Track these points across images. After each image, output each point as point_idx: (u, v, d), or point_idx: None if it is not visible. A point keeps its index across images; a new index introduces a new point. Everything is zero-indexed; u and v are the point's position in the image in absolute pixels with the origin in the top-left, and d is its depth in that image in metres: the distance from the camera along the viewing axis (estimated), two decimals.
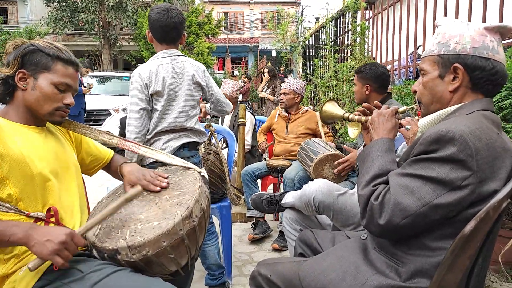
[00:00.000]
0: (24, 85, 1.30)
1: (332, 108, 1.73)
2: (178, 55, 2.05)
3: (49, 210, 1.26)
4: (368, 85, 2.51)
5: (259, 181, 3.53)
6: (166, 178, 1.47)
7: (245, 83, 10.82)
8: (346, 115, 1.59)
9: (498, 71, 1.15)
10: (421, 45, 3.92)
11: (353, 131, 1.58)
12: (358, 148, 2.76)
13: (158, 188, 1.41)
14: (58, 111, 1.34)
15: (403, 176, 1.10)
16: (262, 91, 7.04)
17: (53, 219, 1.28)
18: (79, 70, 1.40)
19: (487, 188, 1.04)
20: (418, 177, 1.07)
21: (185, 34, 2.13)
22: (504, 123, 2.14)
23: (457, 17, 3.36)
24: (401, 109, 1.40)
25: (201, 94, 2.17)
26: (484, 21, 3.01)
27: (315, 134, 3.51)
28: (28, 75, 1.30)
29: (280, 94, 3.61)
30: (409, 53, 4.31)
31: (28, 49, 1.30)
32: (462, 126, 1.04)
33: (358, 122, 1.48)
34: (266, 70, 6.54)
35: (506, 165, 1.07)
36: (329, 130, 3.65)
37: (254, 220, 3.39)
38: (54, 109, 1.33)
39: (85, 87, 6.12)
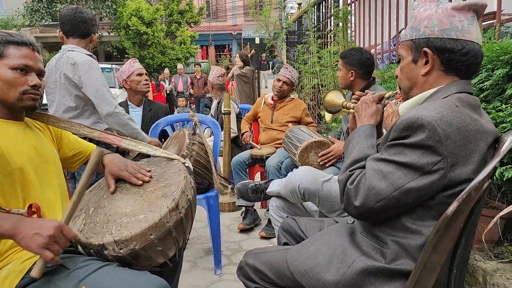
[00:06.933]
0: None
1: (334, 97, 1.75)
2: (69, 50, 2.12)
3: (30, 206, 1.24)
4: (353, 71, 2.50)
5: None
6: (149, 171, 1.45)
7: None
8: (345, 103, 1.61)
9: (469, 51, 1.14)
10: (403, 28, 3.92)
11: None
12: (342, 137, 2.77)
13: (140, 182, 1.39)
14: (26, 95, 1.30)
15: (378, 161, 1.13)
16: (232, 76, 6.90)
17: (35, 216, 1.25)
18: (37, 49, 1.35)
19: (459, 172, 1.06)
20: (392, 162, 1.10)
21: (96, 34, 2.29)
22: (485, 104, 2.16)
23: None
24: (387, 94, 1.41)
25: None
26: None
27: (299, 123, 3.50)
28: None
29: (279, 80, 3.48)
30: (391, 37, 4.32)
31: None
32: (432, 112, 1.06)
33: (354, 109, 1.48)
34: (237, 56, 6.45)
35: (480, 148, 1.08)
36: (313, 120, 3.64)
37: (244, 209, 3.40)
38: (21, 93, 1.29)
39: None
